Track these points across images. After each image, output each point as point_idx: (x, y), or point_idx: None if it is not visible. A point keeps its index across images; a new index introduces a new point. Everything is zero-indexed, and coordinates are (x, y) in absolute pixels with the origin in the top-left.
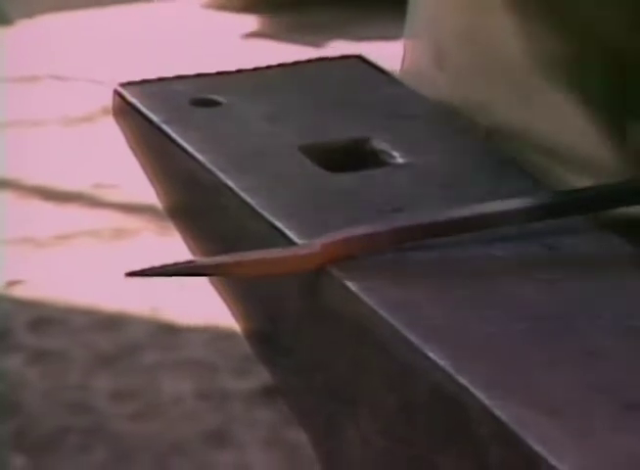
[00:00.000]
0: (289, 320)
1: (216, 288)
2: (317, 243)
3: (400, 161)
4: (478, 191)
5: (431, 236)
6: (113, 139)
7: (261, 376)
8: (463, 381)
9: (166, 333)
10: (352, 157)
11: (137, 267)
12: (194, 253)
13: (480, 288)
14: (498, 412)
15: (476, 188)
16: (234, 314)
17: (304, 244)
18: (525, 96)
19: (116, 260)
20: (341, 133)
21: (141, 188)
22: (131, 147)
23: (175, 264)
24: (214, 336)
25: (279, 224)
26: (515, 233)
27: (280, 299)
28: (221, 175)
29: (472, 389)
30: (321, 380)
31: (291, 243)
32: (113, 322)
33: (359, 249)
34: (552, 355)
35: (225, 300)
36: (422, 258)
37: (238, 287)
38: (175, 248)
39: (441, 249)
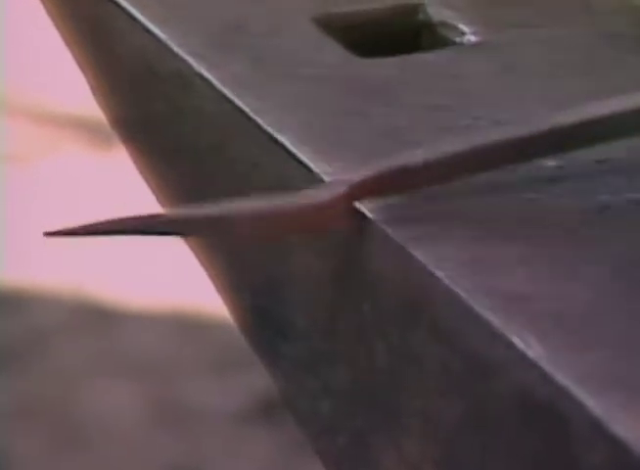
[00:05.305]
0: (304, 292)
1: (192, 248)
2: (344, 180)
3: (473, 39)
4: (593, 92)
5: (519, 159)
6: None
7: (251, 386)
8: (564, 381)
9: (97, 320)
10: (397, 33)
11: (59, 219)
12: (151, 183)
13: (587, 238)
14: (620, 430)
15: (591, 84)
16: (219, 288)
17: (326, 184)
18: None
19: (22, 197)
20: None
21: (65, 82)
22: (50, 14)
23: (129, 219)
24: (173, 325)
25: (283, 139)
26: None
27: (289, 259)
28: (192, 61)
29: (578, 394)
30: (349, 380)
31: (304, 169)
32: (15, 303)
33: (408, 185)
34: None
35: (205, 264)
36: (501, 201)
37: (228, 244)
38: (120, 176)
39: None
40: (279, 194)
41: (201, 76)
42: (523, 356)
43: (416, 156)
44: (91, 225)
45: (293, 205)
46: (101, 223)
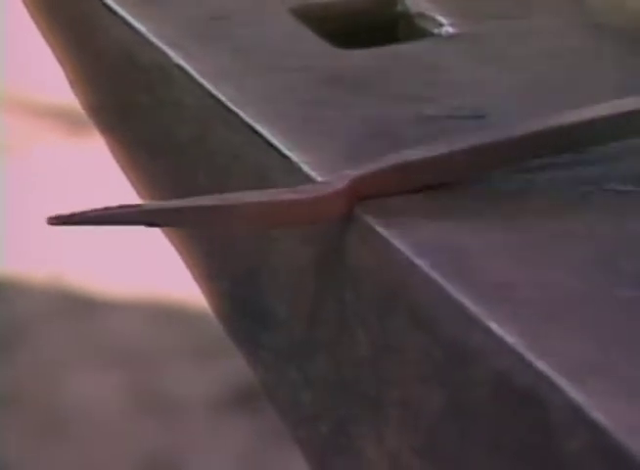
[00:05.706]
0: (285, 281)
1: (169, 236)
2: (343, 176)
3: (450, 30)
4: (574, 83)
5: (508, 161)
6: None
7: (229, 373)
8: (543, 367)
9: (76, 309)
10: (375, 24)
11: (39, 209)
12: (130, 175)
13: (569, 233)
14: (598, 416)
15: (570, 79)
16: (197, 276)
17: (325, 181)
18: None
19: (1, 188)
20: None
21: (46, 73)
22: (28, 9)
23: (118, 208)
24: (151, 313)
25: (262, 130)
26: (618, 150)
27: (273, 251)
28: (172, 53)
29: (557, 380)
30: (330, 369)
31: (284, 160)
32: None
33: (409, 183)
34: None
35: (183, 253)
36: (485, 192)
37: (209, 235)
38: (100, 165)
39: (515, 177)
40: (278, 189)
41: (179, 67)
42: (503, 343)
43: (416, 154)
44: (88, 214)
45: (293, 197)
46: (94, 214)
